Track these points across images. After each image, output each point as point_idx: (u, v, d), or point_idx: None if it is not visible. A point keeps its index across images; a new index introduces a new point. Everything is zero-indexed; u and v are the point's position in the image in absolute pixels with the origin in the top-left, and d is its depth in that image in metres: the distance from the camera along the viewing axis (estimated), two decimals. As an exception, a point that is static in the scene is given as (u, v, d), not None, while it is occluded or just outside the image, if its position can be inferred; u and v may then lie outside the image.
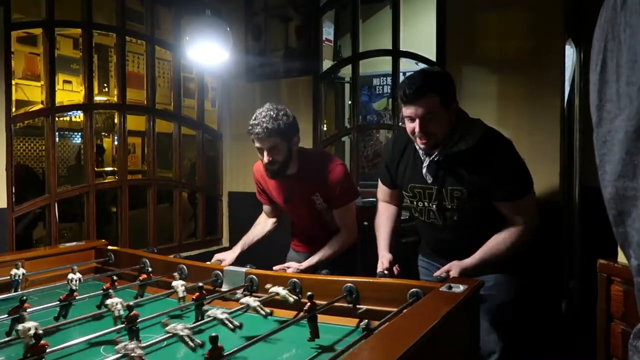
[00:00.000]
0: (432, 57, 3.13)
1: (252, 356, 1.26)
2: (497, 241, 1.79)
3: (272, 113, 2.07)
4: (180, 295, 1.65)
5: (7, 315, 1.36)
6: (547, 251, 2.61)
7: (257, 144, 2.12)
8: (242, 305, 1.47)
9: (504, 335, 1.89)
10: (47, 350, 1.12)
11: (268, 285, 1.64)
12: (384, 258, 1.93)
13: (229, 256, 2.24)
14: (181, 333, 1.16)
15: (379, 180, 2.14)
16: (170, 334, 1.18)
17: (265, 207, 2.48)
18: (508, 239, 1.79)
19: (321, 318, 1.54)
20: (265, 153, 2.10)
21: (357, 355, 0.99)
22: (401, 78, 3.50)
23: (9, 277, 1.81)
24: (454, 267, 1.73)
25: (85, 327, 1.50)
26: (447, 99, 1.75)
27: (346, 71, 4.03)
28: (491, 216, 1.82)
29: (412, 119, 1.76)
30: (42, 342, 1.10)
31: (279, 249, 2.51)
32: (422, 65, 3.30)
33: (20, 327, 1.14)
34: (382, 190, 2.14)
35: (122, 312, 1.37)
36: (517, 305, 1.93)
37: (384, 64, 3.65)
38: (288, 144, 2.12)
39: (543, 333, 2.56)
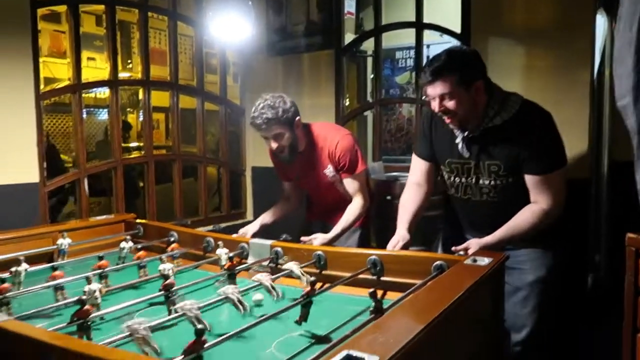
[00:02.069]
0: (457, 29, 3.06)
1: (279, 326, 1.30)
2: (519, 220, 1.79)
3: (269, 102, 2.17)
4: (223, 262, 1.73)
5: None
6: (574, 225, 2.58)
7: (261, 134, 2.23)
8: (256, 283, 1.43)
9: (536, 310, 1.90)
10: (92, 315, 1.19)
11: (283, 260, 1.68)
12: (401, 237, 1.86)
13: (251, 228, 2.32)
14: (231, 296, 1.25)
15: (414, 156, 2.09)
16: (222, 296, 1.26)
17: (287, 185, 2.53)
18: (530, 218, 1.78)
19: (346, 290, 1.58)
20: (271, 141, 2.22)
21: (381, 325, 1.01)
22: (425, 51, 3.44)
23: (56, 246, 1.93)
24: (473, 245, 1.72)
25: (124, 294, 1.57)
26: (466, 79, 1.74)
27: (368, 44, 3.98)
28: (527, 192, 1.81)
29: (434, 99, 1.78)
30: (86, 307, 1.17)
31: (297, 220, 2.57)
32: (446, 38, 3.24)
33: (86, 288, 1.32)
34: (415, 169, 2.07)
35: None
36: (549, 281, 1.91)
37: (407, 37, 3.57)
38: (290, 128, 2.22)
39: (569, 307, 2.56)
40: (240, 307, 1.26)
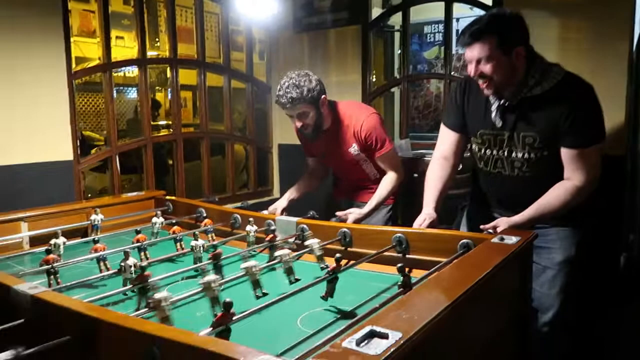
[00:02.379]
0: (488, 0, 2.96)
1: (306, 300, 1.33)
2: (550, 197, 1.73)
3: (294, 81, 2.16)
4: (251, 239, 1.78)
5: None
6: (608, 203, 2.52)
7: (286, 112, 2.24)
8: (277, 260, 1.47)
9: (563, 290, 1.87)
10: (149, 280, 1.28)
11: (308, 235, 1.69)
12: (428, 215, 1.82)
13: (280, 205, 2.35)
14: (286, 259, 1.38)
15: (442, 128, 2.03)
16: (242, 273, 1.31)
17: (311, 161, 2.55)
18: (563, 195, 1.72)
19: (371, 267, 1.58)
20: (295, 120, 2.22)
21: (406, 302, 1.02)
22: (454, 25, 3.34)
23: (89, 222, 2.01)
24: (502, 224, 1.69)
25: (163, 266, 1.65)
26: (506, 43, 1.67)
27: (396, 19, 3.89)
28: (560, 168, 1.74)
29: (470, 62, 1.73)
30: (146, 272, 1.31)
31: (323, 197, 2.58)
32: (476, 11, 3.13)
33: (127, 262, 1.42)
34: (443, 141, 2.01)
35: (201, 254, 1.63)
36: (578, 261, 1.87)
37: (436, 11, 3.49)
38: (315, 107, 2.21)
39: (600, 287, 2.51)
40: (291, 276, 1.38)
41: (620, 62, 2.49)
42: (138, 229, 1.79)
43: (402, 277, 1.21)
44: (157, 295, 1.08)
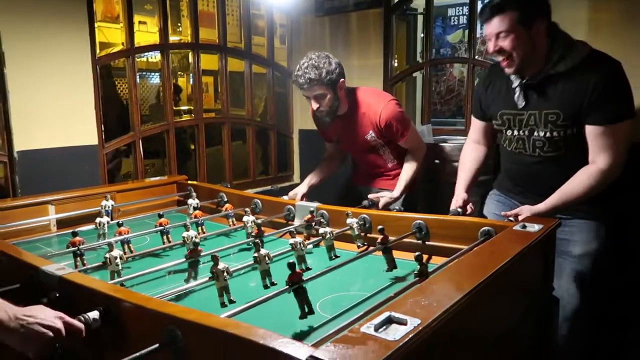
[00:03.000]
0: (515, -18, 2.87)
1: (326, 285, 1.34)
2: (574, 183, 1.68)
3: (313, 62, 2.14)
4: (249, 230, 1.76)
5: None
6: (635, 193, 2.45)
7: (303, 93, 2.22)
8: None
9: (582, 284, 1.83)
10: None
11: (350, 213, 1.70)
12: (459, 197, 1.91)
13: (300, 190, 2.37)
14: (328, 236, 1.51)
15: (472, 117, 2.09)
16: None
17: (329, 145, 2.55)
18: (587, 180, 1.67)
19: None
20: (312, 101, 2.21)
21: (425, 289, 1.02)
22: (479, 7, 3.26)
23: (100, 207, 2.00)
24: (525, 212, 1.67)
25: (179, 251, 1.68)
26: (527, 17, 1.64)
27: (419, 2, 3.82)
28: (583, 149, 1.69)
29: (490, 39, 1.70)
30: (199, 248, 1.46)
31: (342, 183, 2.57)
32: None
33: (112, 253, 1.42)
34: (473, 128, 2.07)
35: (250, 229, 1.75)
36: (600, 254, 1.82)
37: (461, -8, 3.40)
38: (333, 90, 2.19)
39: (624, 283, 2.46)
40: (332, 252, 1.52)
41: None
42: (161, 213, 1.82)
43: (419, 266, 1.21)
44: (220, 266, 1.19)
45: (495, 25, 1.66)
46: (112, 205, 2.02)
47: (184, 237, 1.54)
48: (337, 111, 2.27)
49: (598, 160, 1.66)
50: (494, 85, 1.90)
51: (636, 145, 1.74)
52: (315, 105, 2.22)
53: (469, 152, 2.05)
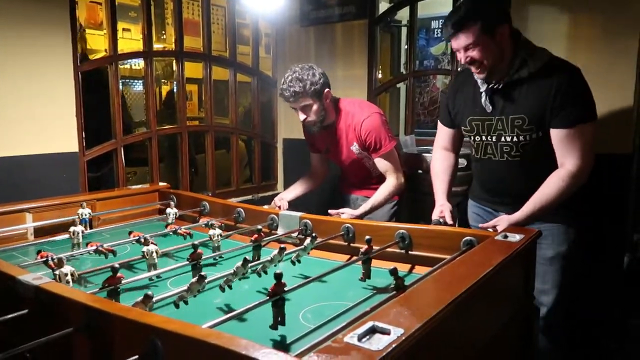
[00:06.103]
0: (497, -4, 2.93)
1: (309, 294, 1.33)
2: (547, 188, 1.72)
3: (297, 75, 2.16)
4: (215, 245, 1.72)
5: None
6: (612, 202, 2.50)
7: (290, 106, 2.24)
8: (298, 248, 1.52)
9: (556, 286, 1.87)
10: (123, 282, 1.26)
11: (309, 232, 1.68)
12: (444, 207, 1.92)
13: (286, 195, 2.39)
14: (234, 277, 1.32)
15: (439, 123, 2.12)
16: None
17: (313, 159, 2.55)
18: (558, 183, 1.70)
19: (374, 263, 1.58)
20: (299, 113, 2.23)
21: (408, 298, 1.02)
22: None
23: (76, 216, 1.95)
24: (502, 222, 1.69)
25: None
26: (490, 26, 1.69)
27: (403, 14, 3.87)
28: (550, 152, 1.74)
29: (459, 51, 1.75)
30: (199, 250, 1.44)
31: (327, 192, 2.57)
32: (485, 6, 3.11)
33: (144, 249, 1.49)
34: (441, 135, 2.11)
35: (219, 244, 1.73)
36: (570, 257, 1.88)
37: (444, 5, 3.45)
38: (319, 100, 2.21)
39: (603, 288, 2.50)
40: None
41: (630, 59, 2.46)
42: (130, 231, 1.76)
43: (394, 280, 1.21)
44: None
45: (462, 40, 1.71)
46: (89, 213, 1.98)
47: (143, 252, 1.50)
48: (324, 121, 2.28)
49: (566, 163, 1.71)
50: (461, 92, 1.96)
51: (613, 156, 1.80)
52: (302, 117, 2.24)
53: (441, 160, 2.08)
